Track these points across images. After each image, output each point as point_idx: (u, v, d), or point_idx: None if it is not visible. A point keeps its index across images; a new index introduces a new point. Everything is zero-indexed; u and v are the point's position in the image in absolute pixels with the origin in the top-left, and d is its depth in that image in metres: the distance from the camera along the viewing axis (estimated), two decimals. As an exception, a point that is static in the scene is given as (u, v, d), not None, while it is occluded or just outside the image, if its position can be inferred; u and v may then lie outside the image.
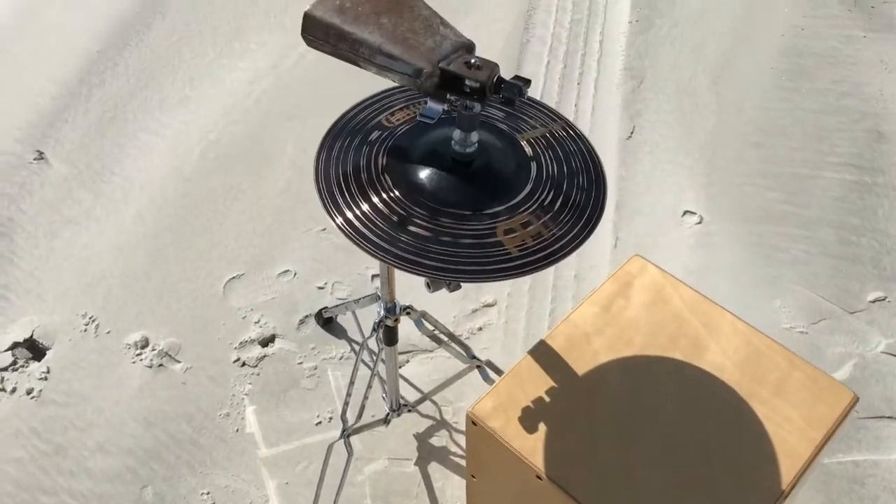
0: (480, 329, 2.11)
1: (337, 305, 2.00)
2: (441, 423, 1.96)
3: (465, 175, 1.01)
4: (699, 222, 2.33)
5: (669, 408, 1.28)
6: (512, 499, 1.38)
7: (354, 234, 0.97)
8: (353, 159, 1.04)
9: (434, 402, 1.98)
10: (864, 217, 2.33)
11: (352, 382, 1.74)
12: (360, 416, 1.66)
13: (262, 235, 2.33)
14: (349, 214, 1.01)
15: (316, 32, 0.95)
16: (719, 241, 2.28)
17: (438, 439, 1.94)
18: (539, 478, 1.23)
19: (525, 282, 2.21)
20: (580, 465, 1.22)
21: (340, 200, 1.01)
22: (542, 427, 1.26)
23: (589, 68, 2.77)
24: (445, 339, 1.76)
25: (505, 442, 1.25)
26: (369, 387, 1.69)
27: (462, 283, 1.10)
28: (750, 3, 2.96)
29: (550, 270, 2.24)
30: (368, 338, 1.63)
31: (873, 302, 2.16)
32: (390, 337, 1.65)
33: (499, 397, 1.30)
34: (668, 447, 1.24)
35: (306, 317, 2.15)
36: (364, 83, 2.72)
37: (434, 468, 1.89)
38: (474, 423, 1.29)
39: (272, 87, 2.73)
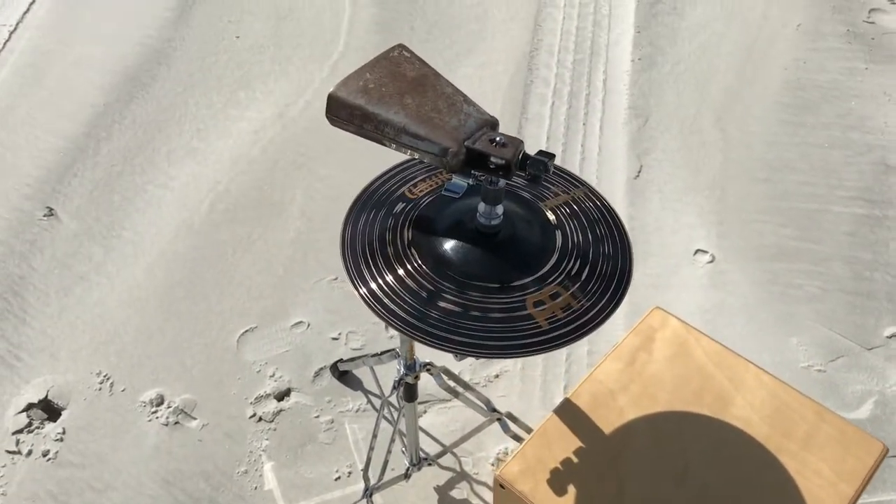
0: (497, 376, 2.10)
1: (353, 359, 1.99)
2: (461, 475, 1.94)
3: (490, 247, 1.01)
4: (711, 261, 2.33)
5: (698, 465, 1.27)
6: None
7: (384, 311, 0.97)
8: (379, 233, 1.04)
9: (454, 454, 1.97)
10: (877, 251, 2.33)
11: (374, 436, 1.72)
12: (382, 473, 1.65)
13: (274, 287, 2.33)
14: (378, 291, 1.00)
15: (340, 113, 0.96)
16: (733, 280, 2.28)
17: (459, 492, 1.92)
18: (571, 543, 1.21)
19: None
20: (612, 528, 1.21)
21: (368, 276, 1.01)
22: (571, 489, 1.25)
23: (594, 108, 2.78)
24: (465, 392, 1.75)
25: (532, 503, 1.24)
26: (392, 441, 1.68)
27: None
28: (751, 39, 2.98)
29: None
30: (389, 396, 1.62)
31: (890, 337, 2.15)
32: (410, 394, 1.64)
33: (526, 460, 1.29)
34: (704, 495, 1.23)
35: (321, 369, 2.15)
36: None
37: (456, 521, 1.87)
38: (502, 487, 1.28)
39: (278, 136, 2.74)
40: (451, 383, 1.72)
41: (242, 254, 2.41)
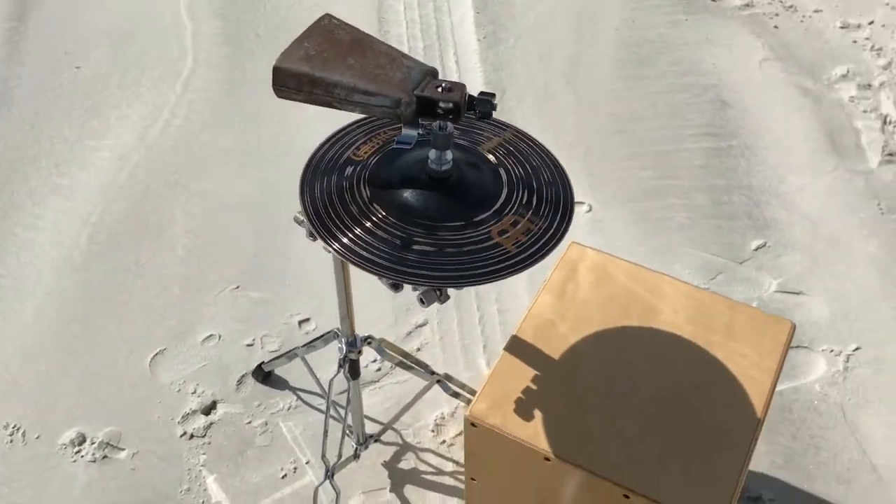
0: (419, 349, 2.17)
1: (280, 357, 2.00)
2: (405, 447, 2.00)
3: (446, 191, 1.08)
4: (589, 210, 2.50)
5: (642, 369, 1.40)
6: (513, 492, 1.45)
7: (365, 262, 1.01)
8: (338, 196, 1.09)
9: (394, 429, 2.02)
10: (729, 177, 2.58)
11: (327, 418, 1.74)
12: (340, 450, 1.68)
13: (175, 306, 2.28)
14: (351, 244, 1.05)
15: (288, 83, 1.00)
16: (611, 223, 2.46)
17: (407, 462, 1.97)
18: (547, 459, 1.31)
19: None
20: (580, 439, 1.31)
21: (339, 234, 1.05)
22: (537, 413, 1.35)
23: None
24: (404, 360, 1.81)
25: (508, 435, 1.32)
26: (345, 419, 1.71)
27: (449, 292, 1.17)
28: (581, 6, 3.19)
29: (469, 281, 2.33)
30: (336, 375, 1.65)
31: (756, 249, 2.39)
32: (355, 370, 1.68)
33: (490, 396, 1.37)
34: (651, 404, 1.35)
35: (243, 376, 2.13)
36: (238, 136, 2.71)
37: (409, 490, 1.92)
38: (474, 425, 1.36)
39: (144, 160, 2.68)
40: (392, 353, 1.77)
41: (134, 280, 2.35)
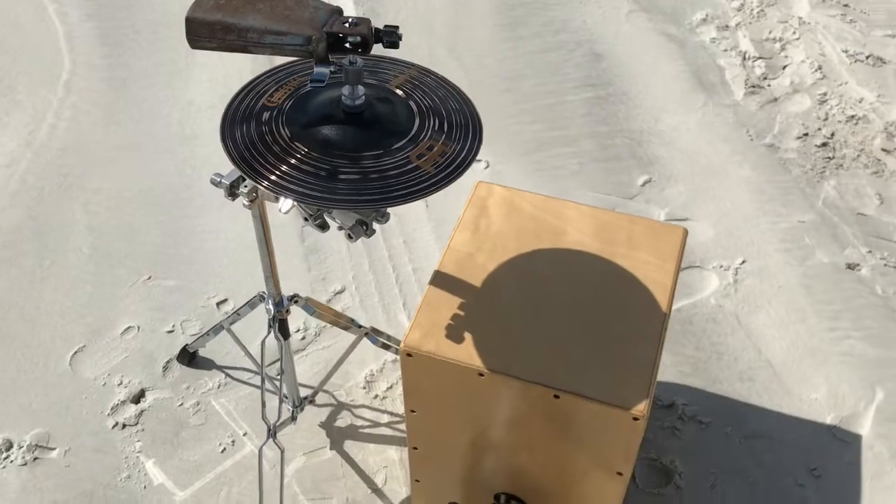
0: (343, 311, 2.22)
1: (206, 334, 2.02)
2: (340, 406, 2.06)
3: (363, 124, 1.14)
4: (487, 166, 2.61)
5: (557, 284, 1.51)
6: (452, 416, 1.53)
7: (298, 195, 1.07)
8: (259, 139, 1.13)
9: (327, 391, 2.07)
10: (610, 123, 2.74)
11: (263, 379, 1.78)
12: (279, 412, 1.72)
13: (88, 304, 2.26)
14: (280, 181, 1.10)
15: (201, 32, 1.04)
16: (509, 176, 2.57)
17: (343, 420, 2.03)
18: (481, 374, 1.40)
19: (363, 263, 2.35)
20: (508, 351, 1.41)
21: (265, 171, 1.11)
22: (467, 335, 1.43)
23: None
24: (333, 316, 1.87)
25: (443, 358, 1.41)
26: (280, 378, 1.75)
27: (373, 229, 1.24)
28: (452, -23, 3.29)
29: (379, 240, 2.40)
30: (266, 336, 1.69)
31: (643, 185, 2.56)
32: (285, 330, 1.73)
33: (421, 327, 1.45)
34: (568, 312, 1.46)
35: (168, 362, 2.14)
36: (129, 131, 2.69)
37: (349, 446, 1.98)
38: (409, 355, 1.43)
39: (34, 165, 2.62)
40: (318, 311, 1.82)
41: (41, 284, 2.31)
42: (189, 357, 2.12)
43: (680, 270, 1.57)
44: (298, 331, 2.19)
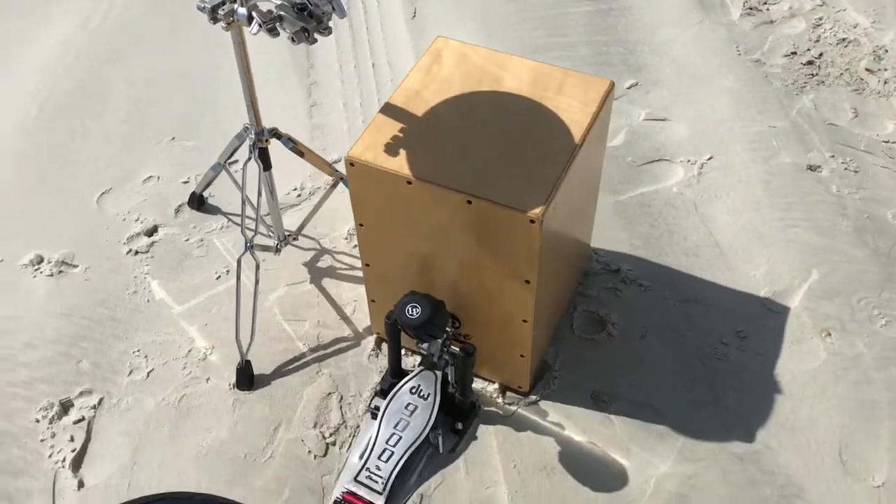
0: (324, 150, 2.48)
1: (207, 173, 2.30)
2: (322, 251, 2.33)
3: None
4: (486, 64, 2.82)
5: (488, 118, 1.73)
6: (393, 228, 1.78)
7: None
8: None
9: (313, 238, 2.34)
10: (609, 33, 2.92)
11: (244, 200, 2.03)
12: (256, 227, 2.00)
13: (118, 156, 2.58)
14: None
15: None
16: (505, 75, 2.78)
17: (324, 262, 2.30)
18: (409, 182, 1.64)
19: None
20: (435, 165, 1.64)
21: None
22: (402, 152, 1.68)
23: (370, 9, 3.20)
24: (312, 154, 2.13)
25: (378, 167, 1.66)
26: (258, 202, 2.02)
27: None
28: None
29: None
30: (248, 161, 1.97)
31: (629, 88, 2.74)
32: (266, 159, 2.00)
33: (365, 142, 1.70)
34: (493, 139, 1.69)
35: (180, 205, 2.44)
36: (171, 22, 2.99)
37: (326, 282, 2.25)
38: (353, 165, 1.68)
39: (87, 44, 2.95)
40: (297, 147, 2.09)
41: (82, 139, 2.64)
42: (198, 202, 2.42)
43: (601, 110, 1.78)
44: (295, 189, 2.46)
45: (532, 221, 1.57)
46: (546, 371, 2.05)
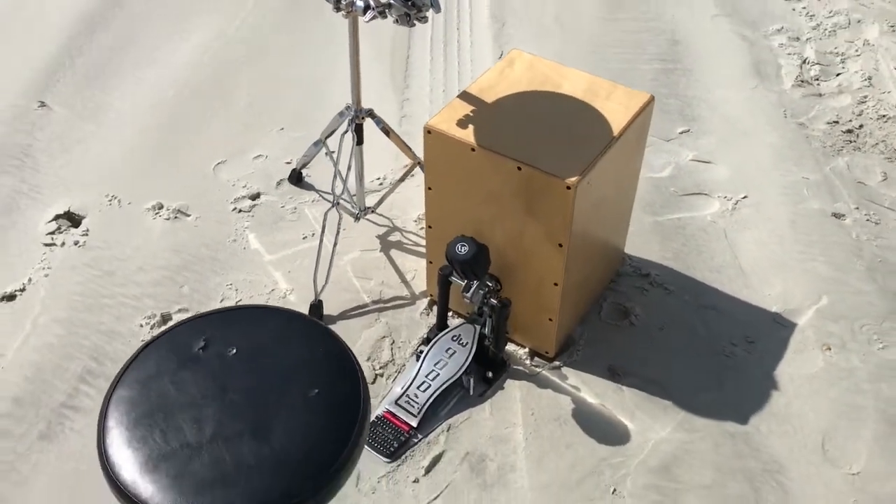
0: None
1: (308, 150, 2.73)
2: (394, 228, 2.71)
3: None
4: (557, 101, 3.21)
5: (545, 107, 2.11)
6: (456, 190, 2.15)
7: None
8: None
9: (387, 217, 2.73)
10: (671, 87, 3.29)
11: (336, 176, 2.45)
12: (343, 191, 2.40)
13: (235, 135, 3.05)
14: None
15: None
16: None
17: (395, 236, 2.68)
18: (473, 150, 2.02)
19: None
20: (495, 137, 2.02)
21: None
22: (470, 126, 2.06)
23: (463, 19, 3.67)
24: (398, 137, 2.54)
25: (450, 135, 2.04)
26: (348, 170, 2.42)
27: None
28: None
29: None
30: (344, 132, 2.38)
31: (681, 133, 3.08)
32: (360, 135, 2.41)
33: (442, 116, 2.09)
34: (547, 122, 2.06)
35: (281, 180, 2.88)
36: (294, 37, 3.49)
37: (394, 253, 2.63)
38: (430, 132, 2.08)
39: (221, 48, 3.48)
40: (386, 127, 2.50)
41: (208, 121, 3.12)
42: (297, 177, 2.85)
43: (640, 114, 2.13)
44: (378, 178, 2.87)
45: (568, 188, 1.92)
46: (571, 344, 2.36)
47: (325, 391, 1.30)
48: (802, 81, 3.32)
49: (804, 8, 3.75)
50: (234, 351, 1.36)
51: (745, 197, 2.83)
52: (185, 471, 1.22)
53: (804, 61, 3.43)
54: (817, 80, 3.34)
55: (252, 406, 1.29)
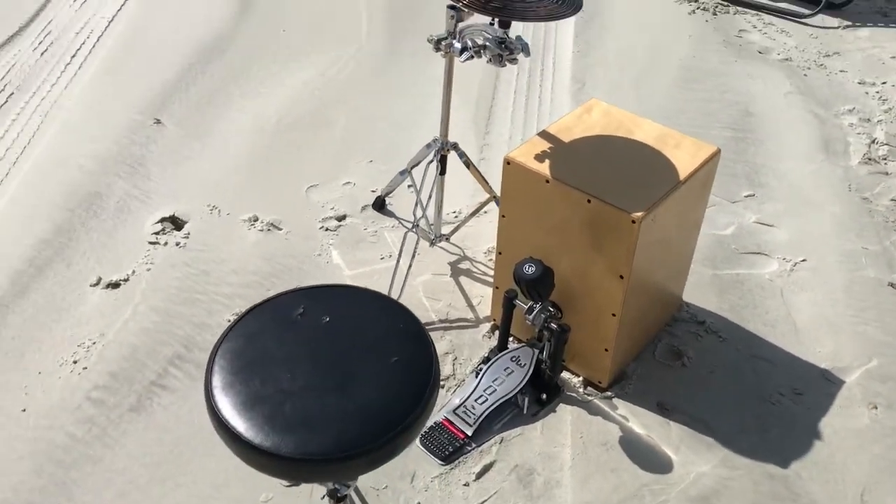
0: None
1: (394, 179, 2.96)
2: (464, 257, 2.90)
3: None
4: (629, 158, 3.40)
5: (618, 149, 2.29)
6: (527, 220, 2.33)
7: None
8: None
9: (458, 246, 2.93)
10: (740, 154, 3.44)
11: (417, 203, 2.66)
12: (423, 215, 2.61)
13: (328, 164, 3.31)
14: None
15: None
16: (644, 168, 3.34)
17: (465, 265, 2.87)
18: (547, 181, 2.21)
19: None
20: (569, 171, 2.21)
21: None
22: (546, 160, 2.26)
23: (546, 78, 3.91)
24: (478, 172, 2.75)
25: (526, 166, 2.24)
26: (430, 198, 2.64)
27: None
28: (656, 44, 4.18)
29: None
30: (430, 162, 2.61)
31: (746, 197, 3.23)
32: (444, 166, 2.63)
33: (521, 150, 2.30)
34: (618, 164, 2.24)
35: (366, 206, 3.11)
36: (390, 82, 3.77)
37: (462, 279, 2.82)
38: (509, 163, 2.28)
39: (323, 88, 3.78)
40: (467, 161, 2.71)
41: (305, 149, 3.40)
42: (380, 204, 3.08)
43: (706, 163, 2.30)
44: (454, 212, 3.08)
45: (633, 222, 2.09)
46: (623, 378, 2.49)
47: (404, 359, 1.49)
48: (870, 159, 3.44)
49: (877, 92, 3.88)
50: (328, 319, 1.55)
51: (803, 260, 2.94)
52: (277, 412, 1.41)
53: (873, 141, 3.55)
54: (885, 159, 3.45)
55: (339, 366, 1.48)
